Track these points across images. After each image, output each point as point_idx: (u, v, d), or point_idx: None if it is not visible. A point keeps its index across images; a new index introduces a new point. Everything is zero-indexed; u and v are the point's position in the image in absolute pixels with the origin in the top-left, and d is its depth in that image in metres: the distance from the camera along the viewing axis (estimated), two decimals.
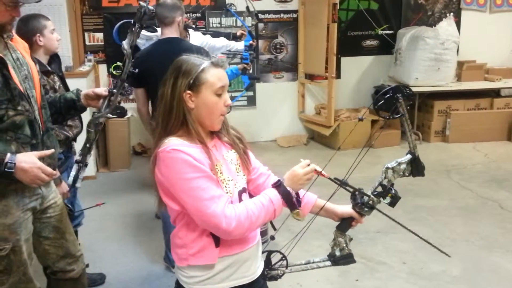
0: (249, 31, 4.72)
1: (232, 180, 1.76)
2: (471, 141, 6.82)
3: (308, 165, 1.75)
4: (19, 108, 2.09)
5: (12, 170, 2.00)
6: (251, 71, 4.82)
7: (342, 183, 1.78)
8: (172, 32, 3.32)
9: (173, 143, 1.66)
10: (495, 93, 7.28)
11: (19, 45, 2.24)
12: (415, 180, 5.44)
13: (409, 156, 1.84)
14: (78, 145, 3.08)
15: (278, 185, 1.72)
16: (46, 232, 2.42)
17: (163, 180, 1.67)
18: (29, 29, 3.03)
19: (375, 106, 1.81)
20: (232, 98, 6.20)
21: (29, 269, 2.33)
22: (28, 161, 2.04)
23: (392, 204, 1.84)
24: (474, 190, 5.12)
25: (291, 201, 1.72)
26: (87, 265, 2.72)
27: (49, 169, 2.10)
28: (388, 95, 1.77)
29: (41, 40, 3.07)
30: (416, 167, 1.84)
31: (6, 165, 1.99)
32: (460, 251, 3.84)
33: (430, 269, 3.58)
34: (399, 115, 1.79)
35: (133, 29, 2.70)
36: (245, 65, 4.43)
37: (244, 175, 1.84)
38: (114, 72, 2.47)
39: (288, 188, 1.72)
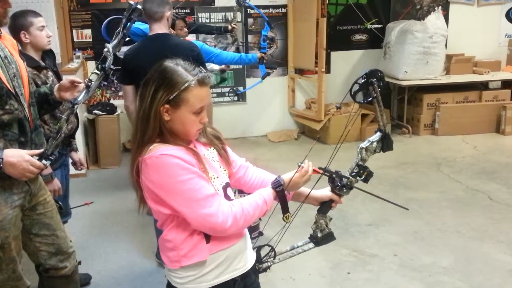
0: (267, 21, 4.73)
1: (218, 177, 1.76)
2: (460, 134, 6.87)
3: (306, 169, 1.80)
4: (7, 107, 2.07)
5: (0, 165, 2.00)
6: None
7: (325, 171, 1.88)
8: (161, 28, 3.28)
9: (160, 149, 1.63)
10: (483, 85, 7.35)
11: (7, 43, 2.22)
12: (406, 173, 5.54)
13: (379, 134, 1.91)
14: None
15: (278, 189, 1.76)
16: (36, 229, 2.40)
17: (152, 187, 1.64)
18: (15, 26, 3.00)
19: (351, 93, 1.85)
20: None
21: (19, 266, 2.32)
22: (15, 155, 2.04)
23: (366, 180, 1.91)
24: (464, 182, 5.15)
25: (286, 206, 1.77)
26: (79, 263, 2.71)
27: (37, 162, 2.09)
28: (363, 81, 1.82)
29: (27, 38, 3.04)
30: (386, 143, 1.91)
31: None
32: (451, 242, 3.87)
33: (421, 260, 3.60)
34: (371, 98, 1.84)
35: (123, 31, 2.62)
36: (262, 54, 4.43)
37: (225, 170, 1.84)
38: (90, 77, 2.36)
39: (286, 192, 1.77)
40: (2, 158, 2.00)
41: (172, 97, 1.63)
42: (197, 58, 3.26)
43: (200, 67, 1.71)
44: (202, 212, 1.60)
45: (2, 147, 2.06)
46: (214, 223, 1.61)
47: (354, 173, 1.89)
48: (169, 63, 1.69)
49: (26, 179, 2.14)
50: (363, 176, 1.90)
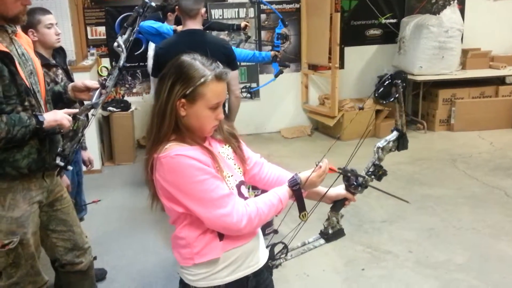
0: (281, 19, 4.73)
1: (232, 176, 1.75)
2: (476, 130, 6.79)
3: (323, 169, 1.80)
4: (26, 103, 2.11)
5: (44, 119, 2.11)
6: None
7: (344, 171, 1.88)
8: (195, 24, 3.32)
9: (176, 149, 1.63)
10: (500, 80, 7.24)
11: (23, 40, 2.25)
12: (421, 169, 5.48)
13: (396, 133, 1.90)
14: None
15: (294, 188, 1.76)
16: (53, 225, 2.44)
17: (166, 185, 1.64)
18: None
19: (376, 95, 1.86)
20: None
21: (37, 262, 2.36)
22: (50, 112, 2.20)
23: (380, 178, 1.91)
24: (480, 179, 5.10)
25: (303, 204, 1.77)
26: (94, 258, 2.74)
27: (68, 116, 2.21)
28: (387, 82, 1.82)
29: (35, 36, 3.05)
30: (402, 143, 1.91)
31: (36, 115, 2.10)
32: (467, 240, 3.84)
33: (435, 257, 3.58)
34: (393, 98, 1.83)
35: (131, 27, 2.62)
36: (276, 53, 4.43)
37: (239, 168, 1.83)
38: (101, 73, 2.39)
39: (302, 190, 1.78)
40: (43, 117, 2.13)
41: (188, 91, 1.62)
42: (229, 55, 3.31)
43: (217, 62, 1.70)
44: (217, 212, 1.60)
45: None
46: (229, 223, 1.61)
47: (370, 172, 1.89)
48: (186, 58, 1.68)
49: (66, 129, 2.21)
50: (378, 175, 1.90)
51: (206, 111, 1.66)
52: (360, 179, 1.89)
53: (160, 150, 1.64)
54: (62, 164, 2.21)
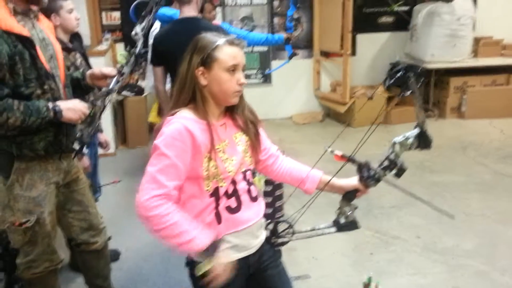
0: (293, 1, 4.74)
1: (236, 160, 1.78)
2: (487, 118, 6.78)
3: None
4: (45, 87, 2.17)
5: (62, 110, 2.15)
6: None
7: (350, 159, 1.86)
8: (190, 11, 3.33)
9: (182, 115, 1.71)
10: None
11: (44, 25, 2.30)
12: (432, 157, 5.49)
13: (416, 130, 1.86)
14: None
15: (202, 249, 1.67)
16: (69, 205, 2.51)
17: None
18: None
19: (386, 86, 1.83)
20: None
21: (53, 241, 2.43)
22: (69, 102, 2.22)
23: (398, 175, 1.87)
24: (490, 166, 5.12)
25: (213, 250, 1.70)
26: (109, 238, 2.81)
27: (85, 104, 2.26)
28: (399, 73, 1.79)
29: (58, 20, 3.12)
30: (424, 141, 1.86)
31: (54, 109, 2.13)
32: (476, 226, 3.87)
33: (443, 243, 3.62)
34: (410, 92, 1.81)
35: (148, 14, 2.68)
36: (289, 35, 4.46)
37: (251, 157, 1.87)
38: (119, 60, 2.46)
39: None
40: (59, 105, 2.16)
41: (204, 57, 1.70)
42: None
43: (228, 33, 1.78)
44: (143, 181, 1.66)
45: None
46: (139, 197, 1.65)
47: (383, 166, 1.87)
48: (200, 35, 1.78)
49: (81, 121, 2.26)
50: (395, 171, 1.86)
51: (224, 73, 1.71)
52: (372, 172, 1.88)
53: (173, 113, 1.74)
54: (77, 148, 2.29)
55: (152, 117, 5.14)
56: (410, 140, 1.85)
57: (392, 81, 1.81)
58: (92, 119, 2.33)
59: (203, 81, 1.72)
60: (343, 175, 1.91)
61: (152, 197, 1.63)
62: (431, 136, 1.85)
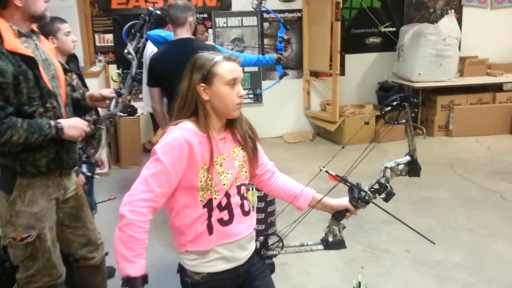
0: (283, 23, 4.86)
1: (231, 174, 1.86)
2: (474, 135, 6.93)
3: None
4: (48, 105, 2.25)
5: (63, 128, 2.22)
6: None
7: (343, 179, 1.93)
8: (184, 33, 3.44)
9: (185, 126, 1.79)
10: (497, 87, 7.38)
11: (46, 47, 2.40)
12: (420, 173, 5.53)
13: (407, 158, 1.95)
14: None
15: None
16: (68, 221, 2.56)
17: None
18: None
19: (382, 112, 1.93)
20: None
21: (53, 256, 2.46)
22: (70, 119, 2.30)
23: (386, 199, 1.96)
24: (477, 182, 5.23)
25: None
26: (106, 254, 2.85)
27: (86, 122, 2.34)
28: (396, 103, 1.90)
29: (55, 43, 3.21)
30: (413, 169, 1.95)
31: (56, 127, 2.20)
32: (463, 240, 3.96)
33: (433, 256, 3.70)
34: (403, 121, 1.91)
35: (138, 33, 2.79)
36: (279, 55, 4.57)
37: (246, 172, 1.94)
38: (113, 78, 2.57)
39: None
40: (61, 123, 2.23)
41: (205, 73, 1.79)
42: None
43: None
44: (136, 181, 1.77)
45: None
46: (127, 194, 1.76)
47: (373, 189, 1.95)
48: (198, 54, 1.87)
49: (81, 138, 2.35)
50: (383, 195, 1.95)
51: (225, 87, 1.80)
52: (362, 193, 1.95)
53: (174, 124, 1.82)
54: (89, 174, 2.36)
55: (158, 136, 5.20)
56: (401, 167, 1.94)
57: (389, 108, 1.90)
58: (98, 142, 2.42)
59: (205, 96, 1.81)
60: (334, 192, 1.99)
61: (139, 200, 1.73)
62: (420, 165, 1.95)
